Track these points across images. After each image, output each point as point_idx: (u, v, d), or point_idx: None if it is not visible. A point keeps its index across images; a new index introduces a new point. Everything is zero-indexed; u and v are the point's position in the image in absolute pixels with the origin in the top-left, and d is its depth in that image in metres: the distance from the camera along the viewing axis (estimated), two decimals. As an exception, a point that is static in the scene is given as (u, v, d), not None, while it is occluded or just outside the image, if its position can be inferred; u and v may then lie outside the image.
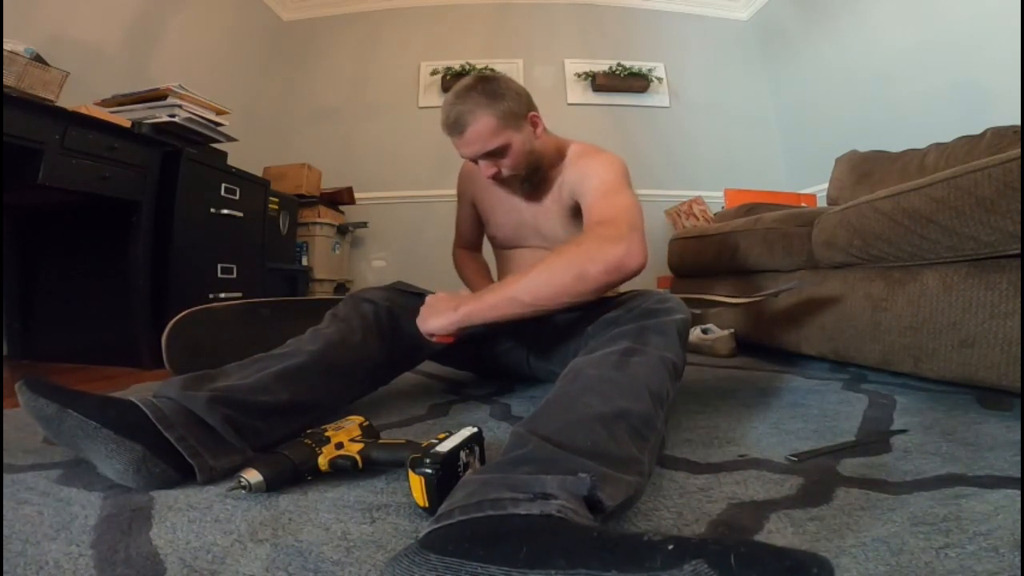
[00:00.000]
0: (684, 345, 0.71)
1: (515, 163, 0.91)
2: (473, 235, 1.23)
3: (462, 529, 0.37)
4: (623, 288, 0.98)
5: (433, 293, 0.87)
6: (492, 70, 3.09)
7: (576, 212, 0.96)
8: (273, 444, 0.64)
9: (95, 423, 0.56)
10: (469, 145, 0.88)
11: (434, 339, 0.81)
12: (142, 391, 1.12)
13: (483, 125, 0.86)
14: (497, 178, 0.93)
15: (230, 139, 1.89)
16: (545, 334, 0.98)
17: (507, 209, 1.06)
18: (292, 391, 0.70)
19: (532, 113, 0.92)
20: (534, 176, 0.96)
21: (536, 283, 0.73)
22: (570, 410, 0.54)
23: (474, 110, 0.85)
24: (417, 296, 0.94)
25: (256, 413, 0.66)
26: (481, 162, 0.91)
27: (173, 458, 0.58)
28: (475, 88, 0.87)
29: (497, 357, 1.08)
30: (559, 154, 0.98)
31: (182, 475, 0.58)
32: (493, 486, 0.41)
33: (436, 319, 0.79)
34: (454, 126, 0.87)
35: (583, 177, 0.91)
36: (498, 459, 0.48)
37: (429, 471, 0.49)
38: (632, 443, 0.51)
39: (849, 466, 0.62)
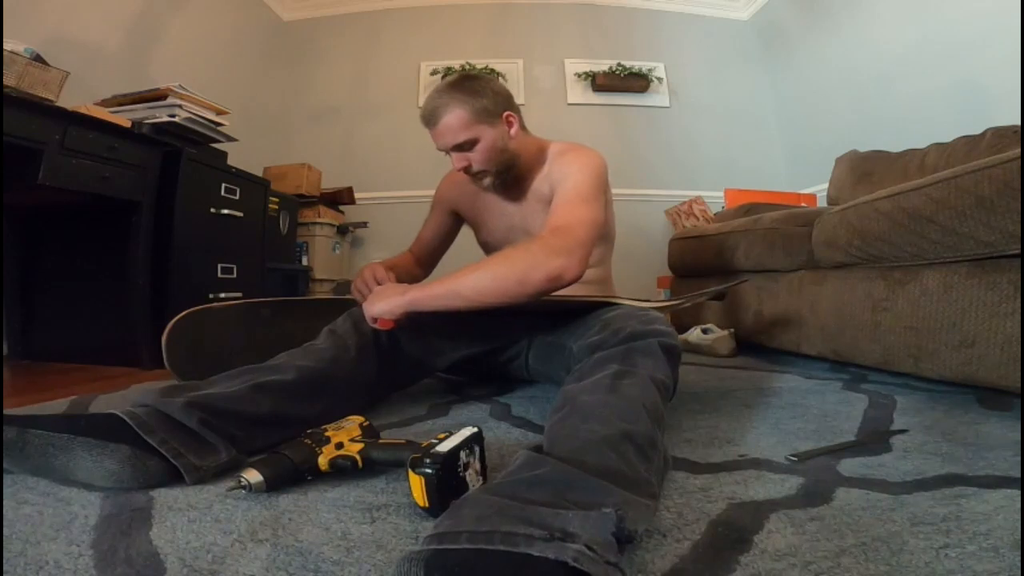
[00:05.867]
0: (673, 365, 0.71)
1: (484, 158, 0.94)
2: (432, 246, 1.21)
3: (467, 557, 0.35)
4: (601, 294, 1.00)
5: None
6: (492, 70, 3.09)
7: None
8: (254, 453, 0.64)
9: (67, 434, 0.55)
10: (441, 136, 0.93)
11: (376, 323, 0.84)
12: (142, 391, 1.12)
13: (454, 118, 0.90)
14: (468, 172, 0.96)
15: (230, 139, 1.89)
16: (542, 339, 0.98)
17: (498, 213, 1.08)
18: (274, 404, 0.70)
19: (508, 113, 0.95)
20: (507, 175, 0.98)
21: (480, 281, 0.76)
22: (574, 438, 0.52)
23: (448, 103, 0.90)
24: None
25: (233, 421, 0.65)
26: (453, 155, 0.95)
27: (160, 460, 0.58)
28: (455, 84, 0.93)
29: (497, 367, 1.09)
30: (540, 154, 1.01)
31: (176, 470, 0.58)
32: (508, 517, 0.38)
33: (382, 303, 0.82)
34: (429, 118, 0.92)
35: (564, 176, 0.93)
36: (513, 476, 0.45)
37: (429, 471, 0.49)
38: (640, 464, 0.50)
39: (849, 466, 0.62)
